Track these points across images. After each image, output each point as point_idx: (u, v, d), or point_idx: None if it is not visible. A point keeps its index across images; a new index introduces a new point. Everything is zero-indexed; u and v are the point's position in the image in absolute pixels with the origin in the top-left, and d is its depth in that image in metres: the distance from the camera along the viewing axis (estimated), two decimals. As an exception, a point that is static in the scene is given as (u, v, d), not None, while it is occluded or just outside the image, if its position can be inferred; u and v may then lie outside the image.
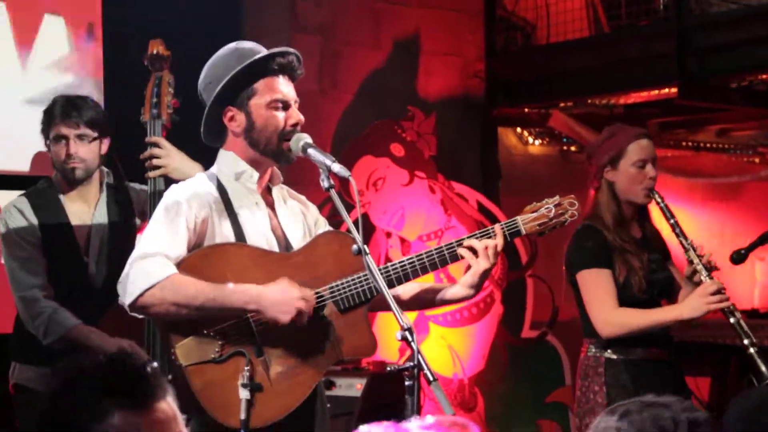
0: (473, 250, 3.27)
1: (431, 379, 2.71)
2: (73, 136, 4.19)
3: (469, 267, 3.33)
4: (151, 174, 4.07)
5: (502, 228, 3.34)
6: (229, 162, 3.41)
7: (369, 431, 1.61)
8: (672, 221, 4.07)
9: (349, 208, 3.57)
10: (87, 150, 4.22)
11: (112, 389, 1.63)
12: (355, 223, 3.01)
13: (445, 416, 1.76)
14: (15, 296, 4.23)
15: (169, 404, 1.68)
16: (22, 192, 4.41)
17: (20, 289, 4.21)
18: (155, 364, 1.69)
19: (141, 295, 3.13)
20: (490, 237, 3.32)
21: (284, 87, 3.33)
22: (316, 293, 3.25)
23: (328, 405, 3.54)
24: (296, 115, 3.32)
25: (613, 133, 4.21)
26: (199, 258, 3.28)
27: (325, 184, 3.09)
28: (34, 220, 4.28)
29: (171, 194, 3.36)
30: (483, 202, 6.51)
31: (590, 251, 4.04)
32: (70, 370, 1.84)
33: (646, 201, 4.10)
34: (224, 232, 3.33)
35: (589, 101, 6.92)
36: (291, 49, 3.38)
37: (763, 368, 3.83)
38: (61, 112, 4.24)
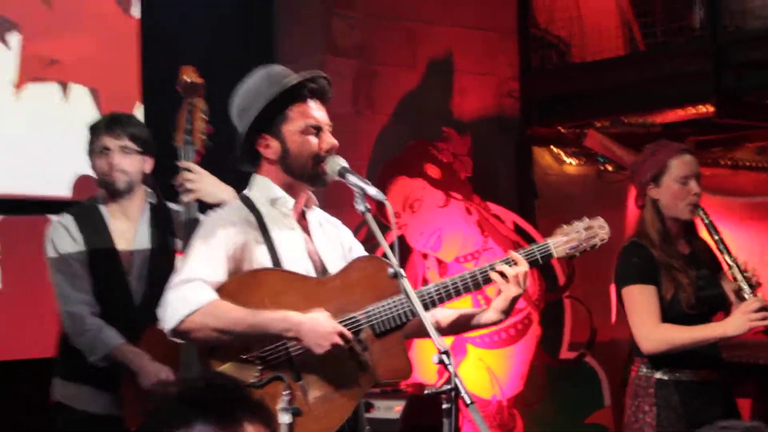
0: (504, 276, 3.26)
1: (468, 402, 2.66)
2: (117, 148, 4.24)
3: (500, 291, 3.33)
4: (184, 198, 4.07)
5: (527, 255, 3.33)
6: (264, 188, 3.40)
7: None
8: (716, 237, 4.02)
9: (385, 230, 3.35)
10: (129, 162, 4.25)
11: (197, 403, 1.66)
12: (391, 246, 3.00)
13: None
14: (62, 311, 4.24)
15: (258, 427, 1.70)
16: (67, 210, 4.46)
17: (67, 304, 4.22)
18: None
19: (182, 321, 3.14)
20: (516, 264, 3.32)
21: (317, 112, 3.32)
22: (352, 318, 3.24)
23: (368, 427, 3.48)
24: (330, 140, 3.30)
25: (654, 150, 4.18)
26: (238, 284, 3.26)
27: (360, 207, 3.06)
28: (80, 238, 4.30)
29: (209, 221, 3.38)
30: (519, 222, 6.46)
31: (635, 267, 4.01)
32: (168, 390, 1.84)
33: (691, 217, 4.05)
34: (261, 258, 3.32)
35: (626, 120, 6.80)
36: (321, 73, 3.39)
37: None
38: (106, 125, 4.29)
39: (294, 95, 3.29)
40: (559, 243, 3.34)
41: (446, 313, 3.48)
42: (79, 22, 5.68)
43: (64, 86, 5.60)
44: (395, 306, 3.23)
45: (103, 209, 4.33)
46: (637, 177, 4.16)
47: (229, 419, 1.67)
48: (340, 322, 3.24)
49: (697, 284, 4.00)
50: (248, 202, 3.40)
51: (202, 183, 4.04)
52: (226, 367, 3.23)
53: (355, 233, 3.62)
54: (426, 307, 3.19)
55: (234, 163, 3.48)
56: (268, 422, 1.69)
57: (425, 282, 6.00)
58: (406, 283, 2.97)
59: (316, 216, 3.52)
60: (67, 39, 5.66)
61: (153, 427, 1.69)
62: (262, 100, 3.30)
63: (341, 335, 3.15)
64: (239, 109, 3.40)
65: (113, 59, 5.68)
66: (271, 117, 3.30)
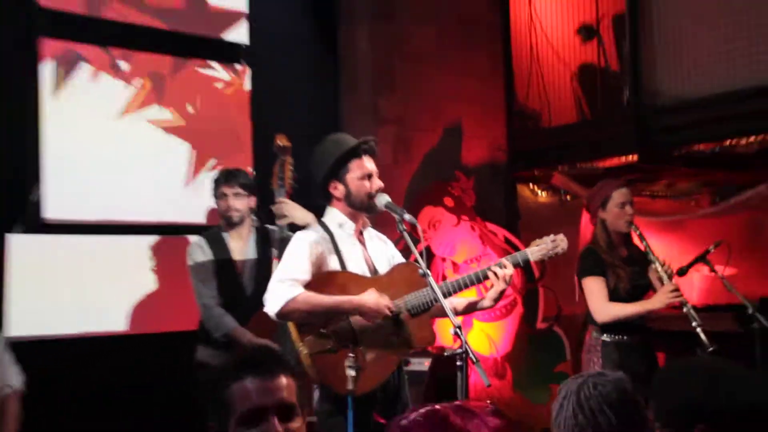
0: (496, 275, 3.64)
1: (474, 360, 3.11)
2: (231, 194, 4.73)
3: (493, 285, 3.68)
4: (278, 222, 4.64)
5: (512, 260, 3.72)
6: (334, 216, 3.75)
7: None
8: (645, 243, 4.48)
9: (416, 242, 3.80)
10: (240, 203, 4.76)
11: (248, 362, 1.94)
12: (421, 253, 3.48)
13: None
14: (198, 302, 4.76)
15: (288, 378, 1.94)
16: (201, 234, 4.95)
17: (200, 298, 4.73)
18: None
19: (281, 307, 3.51)
20: (504, 267, 3.66)
21: (368, 164, 3.68)
22: (395, 303, 3.60)
23: (406, 377, 3.87)
24: (378, 183, 3.68)
25: (602, 186, 4.67)
26: (318, 281, 3.61)
27: (399, 228, 3.51)
28: (209, 252, 4.78)
29: (298, 238, 3.74)
30: (508, 236, 6.96)
31: (589, 265, 4.48)
32: (230, 355, 2.25)
33: (628, 230, 4.52)
34: (333, 264, 3.68)
35: (578, 165, 7.22)
36: (371, 138, 3.76)
37: (705, 340, 4.21)
38: (224, 177, 4.80)
39: (354, 153, 3.67)
40: (534, 251, 3.77)
41: (459, 301, 3.78)
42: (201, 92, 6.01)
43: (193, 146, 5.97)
44: (424, 295, 3.59)
45: (225, 234, 4.83)
46: (591, 204, 4.65)
47: (268, 372, 1.90)
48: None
49: (631, 276, 4.45)
50: (324, 226, 3.74)
51: (291, 211, 4.59)
52: (309, 338, 3.59)
53: (396, 245, 4.02)
54: (444, 296, 3.48)
55: (313, 199, 3.97)
56: (298, 376, 1.90)
57: (444, 278, 6.24)
58: (431, 280, 3.37)
59: (370, 234, 3.87)
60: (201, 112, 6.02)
61: (218, 381, 1.94)
62: (332, 159, 3.67)
63: (387, 306, 3.53)
64: (316, 164, 3.76)
65: (232, 127, 6.17)
66: (338, 169, 3.66)
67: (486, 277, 3.63)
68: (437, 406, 1.65)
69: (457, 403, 1.69)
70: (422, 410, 1.61)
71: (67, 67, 5.47)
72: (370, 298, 3.51)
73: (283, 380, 1.91)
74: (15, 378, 4.11)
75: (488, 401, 3.71)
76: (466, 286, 3.67)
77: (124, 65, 5.67)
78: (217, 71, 6.11)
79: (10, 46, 5.33)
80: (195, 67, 5.97)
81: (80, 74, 5.55)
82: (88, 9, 5.57)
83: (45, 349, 5.04)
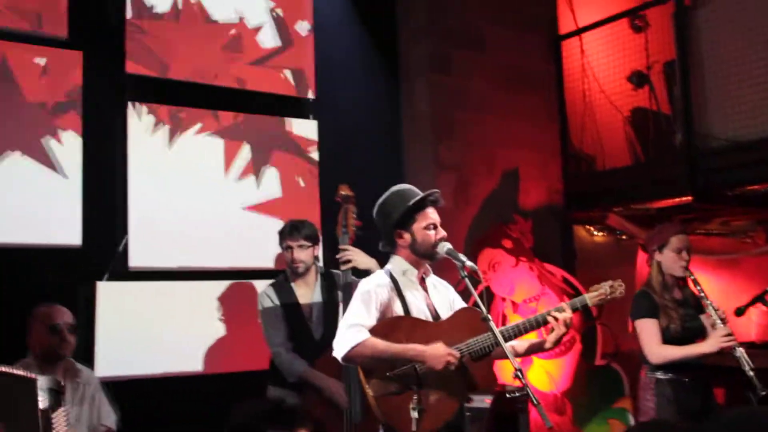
0: (556, 320, 3.61)
1: (535, 402, 3.13)
2: (296, 246, 4.74)
3: (553, 329, 3.65)
4: (343, 267, 4.62)
5: (571, 305, 3.69)
6: (399, 264, 3.76)
7: None
8: (699, 288, 4.44)
9: (476, 283, 3.84)
10: (305, 254, 4.76)
11: (270, 417, 2.28)
12: (480, 295, 3.46)
13: None
14: (269, 347, 4.77)
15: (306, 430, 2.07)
16: (270, 282, 4.94)
17: (272, 345, 4.75)
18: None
19: (348, 352, 3.51)
20: (563, 311, 3.63)
21: (433, 215, 3.71)
22: (457, 348, 3.55)
23: (468, 414, 3.88)
24: (441, 232, 3.70)
25: (661, 229, 4.65)
26: (383, 326, 3.60)
27: (461, 274, 3.51)
28: (277, 301, 4.79)
29: (364, 285, 3.71)
30: (566, 276, 6.93)
31: (644, 307, 4.46)
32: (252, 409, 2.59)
33: (683, 275, 4.49)
34: (397, 309, 3.66)
35: (633, 206, 7.20)
36: (436, 190, 3.74)
37: (757, 384, 4.21)
38: (288, 231, 4.81)
39: (419, 206, 3.68)
40: (593, 297, 3.74)
41: (520, 343, 3.78)
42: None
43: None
44: (485, 340, 3.57)
45: (291, 282, 4.83)
46: (648, 245, 4.63)
47: (287, 425, 2.07)
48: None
49: (684, 318, 4.43)
50: (389, 273, 3.75)
51: (354, 257, 4.61)
52: (374, 381, 3.56)
53: (456, 287, 3.99)
54: (506, 340, 3.50)
55: (376, 245, 3.91)
56: (315, 427, 1.90)
57: (504, 317, 6.45)
58: (492, 325, 3.39)
59: (432, 280, 3.86)
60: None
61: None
62: (400, 210, 3.67)
63: (452, 356, 3.49)
64: (382, 214, 3.76)
65: (300, 196, 6.19)
66: (405, 220, 3.69)
67: (546, 322, 3.64)
68: None
69: None
70: None
71: (153, 128, 5.70)
72: (434, 349, 3.51)
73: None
74: (109, 417, 4.26)
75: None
76: (527, 331, 3.66)
77: (200, 125, 5.89)
78: (290, 125, 6.25)
79: (103, 108, 5.57)
80: (268, 122, 6.14)
81: (161, 135, 5.77)
82: (168, 73, 5.80)
83: (130, 388, 5.14)
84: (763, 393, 4.15)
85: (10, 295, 4.96)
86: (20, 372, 3.42)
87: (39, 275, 5.22)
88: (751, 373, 4.20)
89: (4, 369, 3.39)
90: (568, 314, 3.60)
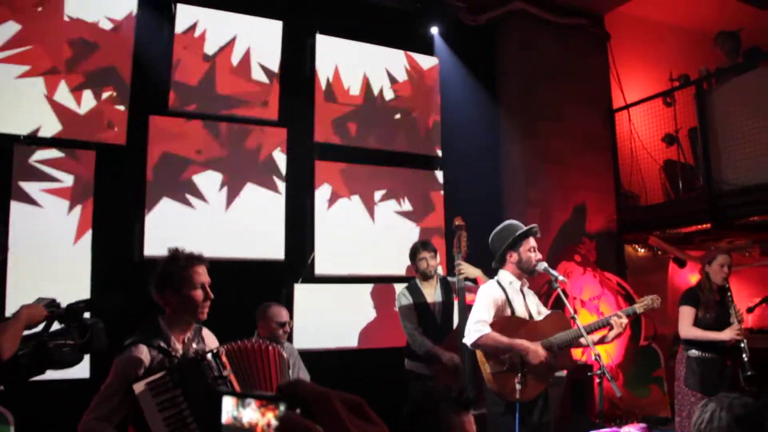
0: (616, 323, 3.97)
1: (610, 378, 3.55)
2: (429, 257, 5.40)
3: (613, 327, 4.01)
4: (457, 275, 5.14)
5: (626, 312, 3.99)
6: (506, 276, 4.09)
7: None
8: (729, 294, 4.98)
9: (566, 295, 4.20)
10: (434, 263, 5.42)
11: (444, 398, 2.12)
12: (558, 297, 4.22)
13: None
14: (405, 332, 5.30)
15: (470, 416, 2.06)
16: (404, 285, 5.52)
17: (406, 329, 5.27)
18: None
19: (477, 340, 3.88)
20: (621, 317, 3.96)
21: (533, 242, 4.15)
22: (548, 341, 3.87)
23: (551, 380, 4.09)
24: (539, 255, 4.10)
25: (713, 250, 5.25)
26: (499, 322, 3.95)
27: (554, 285, 3.95)
28: (411, 298, 5.32)
29: (484, 290, 4.05)
30: (619, 281, 7.58)
31: (689, 297, 4.97)
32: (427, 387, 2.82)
33: (722, 284, 5.02)
34: (506, 311, 4.02)
35: (667, 231, 7.87)
36: (535, 225, 4.15)
37: (748, 367, 4.60)
38: (422, 246, 5.45)
39: (525, 235, 4.12)
40: (639, 307, 4.13)
41: (591, 337, 4.02)
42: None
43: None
44: (568, 334, 3.93)
45: (421, 284, 5.36)
46: (702, 259, 5.16)
47: (459, 407, 1.99)
48: (542, 343, 3.90)
49: (717, 313, 4.96)
50: (499, 283, 4.12)
51: (465, 269, 5.13)
52: (491, 362, 3.88)
53: (537, 292, 4.41)
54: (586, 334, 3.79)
55: (481, 259, 4.42)
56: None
57: (575, 310, 6.49)
58: (578, 322, 3.79)
59: (527, 290, 4.22)
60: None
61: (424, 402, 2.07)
62: (513, 236, 4.08)
63: (544, 355, 3.89)
64: (498, 239, 4.14)
65: (431, 223, 6.94)
66: (515, 244, 4.09)
67: (609, 324, 4.04)
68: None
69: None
70: None
71: (330, 197, 6.71)
72: (536, 348, 3.88)
73: (470, 417, 1.95)
74: (306, 379, 4.36)
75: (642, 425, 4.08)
76: (597, 329, 4.07)
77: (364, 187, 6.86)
78: (423, 176, 7.20)
79: (300, 170, 6.46)
80: (410, 174, 7.12)
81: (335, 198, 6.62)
82: (346, 140, 6.91)
83: (312, 357, 5.50)
84: (749, 374, 4.60)
85: (241, 293, 5.46)
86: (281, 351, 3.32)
87: (258, 280, 6.03)
88: (746, 358, 4.72)
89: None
90: (624, 320, 4.01)
